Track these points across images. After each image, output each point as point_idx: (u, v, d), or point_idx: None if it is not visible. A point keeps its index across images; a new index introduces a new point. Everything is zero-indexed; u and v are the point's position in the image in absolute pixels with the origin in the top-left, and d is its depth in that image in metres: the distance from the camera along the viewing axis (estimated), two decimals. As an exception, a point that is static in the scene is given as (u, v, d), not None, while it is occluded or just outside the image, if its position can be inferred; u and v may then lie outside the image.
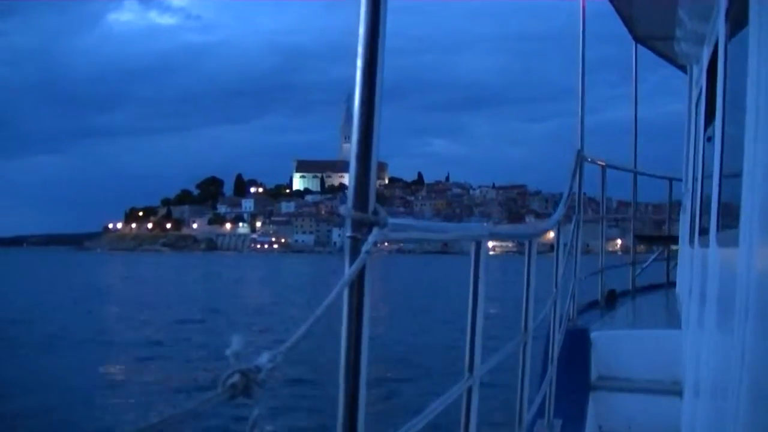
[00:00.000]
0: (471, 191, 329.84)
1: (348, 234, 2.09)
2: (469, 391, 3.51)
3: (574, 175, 8.88)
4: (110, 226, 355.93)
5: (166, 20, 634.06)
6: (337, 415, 2.09)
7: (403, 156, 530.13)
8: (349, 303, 2.08)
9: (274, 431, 19.90)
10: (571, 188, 8.44)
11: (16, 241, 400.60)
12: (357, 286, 2.08)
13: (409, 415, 2.64)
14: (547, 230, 6.33)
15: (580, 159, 9.31)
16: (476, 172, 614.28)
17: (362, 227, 2.07)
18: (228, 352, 1.44)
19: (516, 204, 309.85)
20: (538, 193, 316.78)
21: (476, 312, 3.58)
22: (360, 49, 2.12)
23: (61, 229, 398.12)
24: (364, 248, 2.03)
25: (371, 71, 2.13)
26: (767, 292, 3.06)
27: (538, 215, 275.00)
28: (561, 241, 6.93)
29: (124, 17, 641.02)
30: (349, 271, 1.98)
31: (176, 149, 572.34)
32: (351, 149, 2.14)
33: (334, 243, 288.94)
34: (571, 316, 8.85)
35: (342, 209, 2.11)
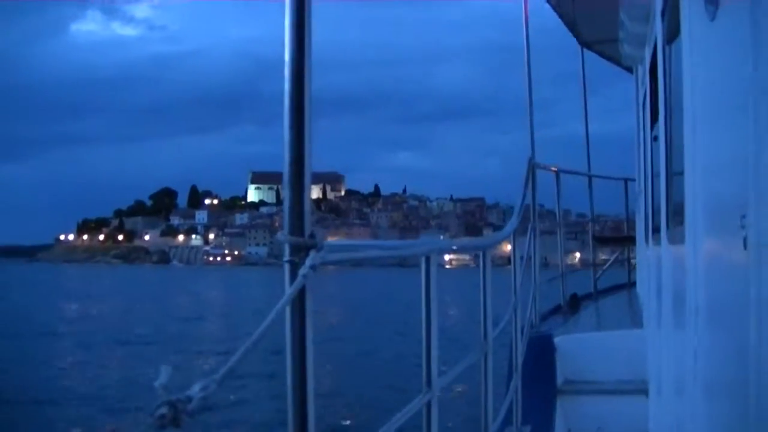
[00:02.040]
0: (428, 203, 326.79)
1: (286, 258, 2.17)
2: (428, 405, 3.58)
3: (527, 183, 8.88)
4: (62, 237, 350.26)
5: (129, 31, 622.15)
6: None
7: (364, 169, 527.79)
8: (292, 326, 2.16)
9: None
10: (524, 197, 8.52)
11: None
12: (298, 308, 2.15)
13: None
14: (500, 241, 6.59)
15: (532, 166, 9.35)
16: (437, 186, 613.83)
17: (300, 251, 2.15)
18: (156, 383, 1.50)
19: (474, 217, 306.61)
20: (495, 205, 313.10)
21: (430, 326, 3.67)
22: (286, 72, 2.19)
23: (18, 241, 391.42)
24: (301, 272, 2.09)
25: (299, 95, 2.18)
26: (714, 287, 3.12)
27: (496, 228, 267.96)
28: (517, 250, 7.20)
29: (87, 27, 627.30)
30: (286, 295, 2.04)
31: (135, 160, 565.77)
32: (283, 175, 2.22)
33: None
34: (534, 323, 8.93)
35: (279, 235, 2.23)
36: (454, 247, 6.69)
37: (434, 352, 3.69)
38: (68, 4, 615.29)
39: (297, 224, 2.17)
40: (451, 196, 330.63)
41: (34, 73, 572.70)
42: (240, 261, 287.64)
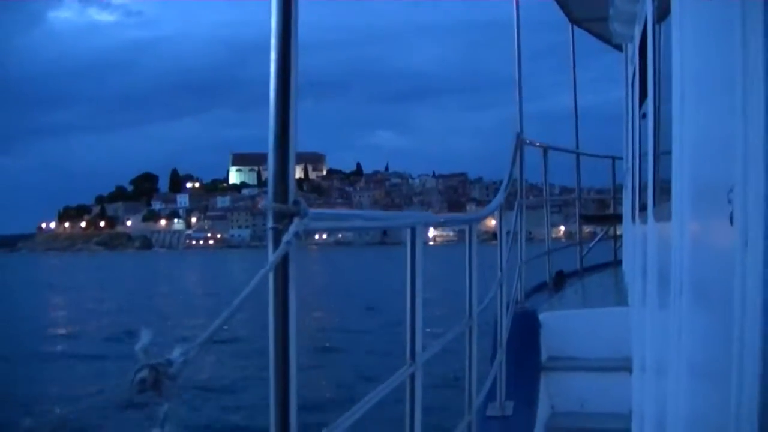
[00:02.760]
0: (410, 180, 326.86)
1: (269, 225, 2.13)
2: (412, 377, 3.63)
3: (514, 159, 8.87)
4: (43, 226, 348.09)
5: (106, 17, 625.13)
6: (269, 403, 2.16)
7: (345, 149, 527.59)
8: (275, 293, 2.14)
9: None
10: (511, 172, 8.46)
11: None
12: (281, 276, 2.12)
13: (349, 404, 2.78)
14: (487, 215, 6.52)
15: (520, 142, 9.37)
16: (419, 163, 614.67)
17: (283, 218, 2.12)
18: (137, 347, 1.48)
19: (456, 193, 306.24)
20: (479, 180, 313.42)
21: (414, 299, 3.69)
22: (273, 40, 2.18)
23: (4, 230, 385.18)
24: (284, 238, 2.06)
25: (285, 61, 2.18)
26: (699, 265, 3.15)
27: (479, 203, 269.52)
28: (503, 226, 7.39)
29: (64, 15, 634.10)
30: (270, 261, 2.02)
31: (117, 147, 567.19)
32: (268, 141, 2.19)
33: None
34: (519, 299, 8.96)
35: (262, 202, 2.17)
36: (441, 220, 6.16)
37: (418, 325, 3.70)
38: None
39: (281, 191, 2.13)
40: (434, 172, 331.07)
41: (12, 64, 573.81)
42: (222, 244, 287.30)
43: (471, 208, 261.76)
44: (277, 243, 2.07)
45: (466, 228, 5.47)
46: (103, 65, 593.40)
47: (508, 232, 7.80)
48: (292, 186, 2.16)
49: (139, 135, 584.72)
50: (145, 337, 1.50)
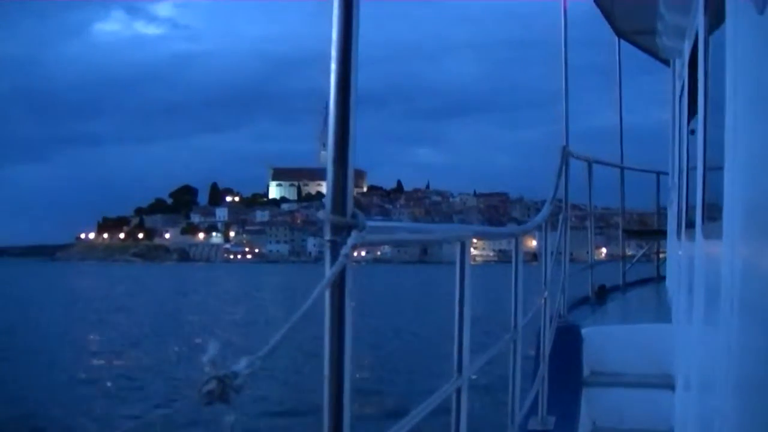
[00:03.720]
0: (451, 199, 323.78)
1: (327, 238, 2.16)
2: (458, 391, 3.64)
3: (560, 173, 8.86)
4: (82, 236, 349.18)
5: (152, 30, 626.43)
6: (322, 418, 2.16)
7: (385, 165, 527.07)
8: (331, 307, 2.15)
9: None
10: (557, 186, 8.55)
11: None
12: (338, 289, 2.14)
13: (396, 418, 2.79)
14: (533, 228, 6.71)
15: (566, 155, 9.32)
16: (459, 180, 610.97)
17: (341, 231, 2.15)
18: (204, 358, 1.52)
19: (497, 212, 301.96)
20: (519, 200, 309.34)
21: (463, 313, 3.73)
22: (333, 53, 2.19)
23: (41, 240, 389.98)
24: (342, 251, 2.09)
25: (345, 75, 2.20)
26: (751, 284, 3.09)
27: (519, 223, 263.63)
28: (548, 239, 7.31)
29: (110, 27, 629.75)
30: (328, 275, 2.04)
31: (156, 159, 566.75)
32: (327, 154, 2.21)
33: (310, 253, 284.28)
34: (561, 313, 8.89)
35: (320, 213, 2.19)
36: (489, 232, 6.64)
37: (466, 339, 3.73)
38: (92, 4, 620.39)
39: (339, 203, 2.15)
40: (474, 191, 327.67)
41: (55, 74, 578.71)
42: (260, 258, 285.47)
43: (511, 227, 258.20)
44: (334, 256, 2.08)
45: (513, 240, 5.51)
46: (146, 77, 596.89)
47: (552, 252, 7.66)
48: (350, 199, 2.17)
49: (180, 147, 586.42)
50: (212, 348, 1.52)
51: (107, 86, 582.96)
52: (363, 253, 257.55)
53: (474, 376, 3.80)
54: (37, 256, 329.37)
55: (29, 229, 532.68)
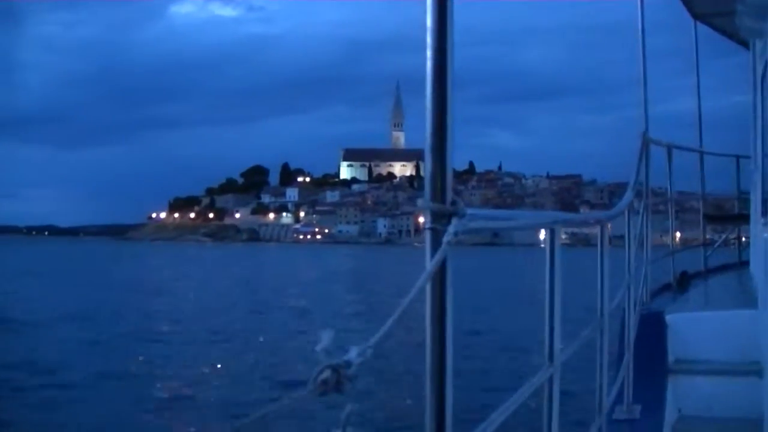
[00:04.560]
0: (523, 181, 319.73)
1: (428, 226, 2.17)
2: (551, 379, 3.62)
3: (640, 158, 8.69)
4: (153, 215, 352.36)
5: (228, 12, 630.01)
6: (425, 410, 2.16)
7: (459, 147, 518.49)
8: (432, 296, 2.15)
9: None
10: (638, 172, 8.31)
11: (73, 232, 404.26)
12: (439, 277, 2.14)
13: (491, 406, 2.84)
14: (617, 215, 6.47)
15: (646, 141, 9.23)
16: (533, 164, 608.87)
17: (441, 218, 2.16)
18: (318, 347, 1.53)
19: (570, 194, 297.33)
20: (593, 182, 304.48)
21: (553, 299, 3.72)
22: (429, 40, 2.19)
23: (116, 220, 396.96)
24: (445, 239, 2.09)
25: (441, 62, 2.20)
26: None
27: (593, 206, 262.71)
28: (631, 226, 7.18)
29: (186, 9, 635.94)
30: (431, 264, 2.05)
31: (230, 140, 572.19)
32: (425, 141, 2.23)
33: (380, 234, 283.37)
34: (644, 300, 8.92)
35: (420, 201, 2.21)
36: (577, 219, 6.03)
37: (557, 326, 3.69)
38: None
39: (439, 191, 2.17)
40: (548, 173, 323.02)
41: (133, 57, 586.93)
42: (330, 239, 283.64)
43: (584, 210, 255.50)
44: (435, 243, 2.09)
45: (599, 228, 5.43)
46: (221, 59, 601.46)
47: (634, 238, 7.46)
48: (449, 186, 2.19)
49: (254, 129, 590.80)
50: (325, 338, 1.53)
51: (183, 69, 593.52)
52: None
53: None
54: (111, 236, 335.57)
55: (106, 209, 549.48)
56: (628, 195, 7.15)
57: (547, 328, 3.69)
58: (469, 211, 2.18)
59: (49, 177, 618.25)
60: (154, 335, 38.05)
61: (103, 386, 25.62)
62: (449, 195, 2.15)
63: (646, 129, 9.53)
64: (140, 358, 31.00)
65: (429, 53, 2.13)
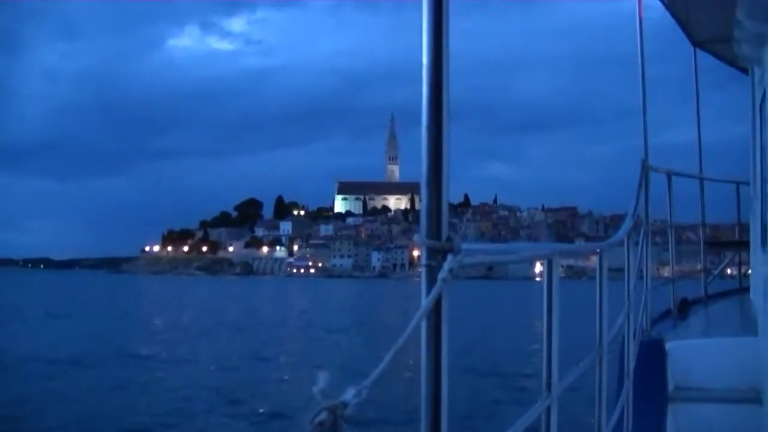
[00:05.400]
0: (518, 213, 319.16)
1: (423, 262, 2.18)
2: (548, 409, 3.60)
3: (640, 185, 8.82)
4: (147, 248, 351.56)
5: (226, 46, 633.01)
6: None
7: (455, 179, 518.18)
8: (428, 334, 2.16)
9: None
10: (637, 200, 8.41)
11: (69, 264, 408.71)
12: (435, 314, 2.15)
13: None
14: (616, 244, 6.44)
15: (646, 168, 9.29)
16: (528, 195, 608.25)
17: (437, 255, 2.18)
18: (315, 389, 1.54)
19: (565, 226, 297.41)
20: (589, 214, 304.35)
21: (551, 330, 3.72)
22: (425, 77, 2.21)
23: (111, 252, 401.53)
24: (440, 276, 2.11)
25: (437, 99, 2.21)
26: None
27: (588, 238, 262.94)
28: (630, 254, 7.11)
29: (184, 43, 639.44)
30: (426, 301, 2.06)
31: (225, 173, 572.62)
32: (421, 178, 2.24)
33: (374, 267, 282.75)
34: (645, 328, 8.93)
35: (416, 237, 2.24)
36: (574, 250, 5.96)
37: (555, 356, 3.71)
38: (166, 20, 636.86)
39: (434, 228, 2.19)
40: (543, 205, 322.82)
41: (131, 88, 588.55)
42: (324, 273, 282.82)
43: (579, 242, 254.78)
44: (430, 280, 2.12)
45: (597, 257, 5.40)
46: (219, 92, 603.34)
47: (633, 268, 7.34)
48: (445, 222, 2.21)
49: (250, 161, 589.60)
50: (322, 379, 1.54)
51: (181, 101, 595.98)
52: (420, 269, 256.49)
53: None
54: (106, 268, 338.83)
55: (101, 241, 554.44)
56: (628, 223, 7.18)
57: (544, 359, 3.70)
58: (465, 246, 2.19)
59: (46, 208, 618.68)
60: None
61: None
62: (445, 231, 2.17)
63: (646, 156, 9.55)
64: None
65: (425, 90, 2.15)
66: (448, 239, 2.15)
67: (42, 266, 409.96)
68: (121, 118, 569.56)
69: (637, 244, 8.30)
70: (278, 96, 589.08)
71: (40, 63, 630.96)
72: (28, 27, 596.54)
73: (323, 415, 1.51)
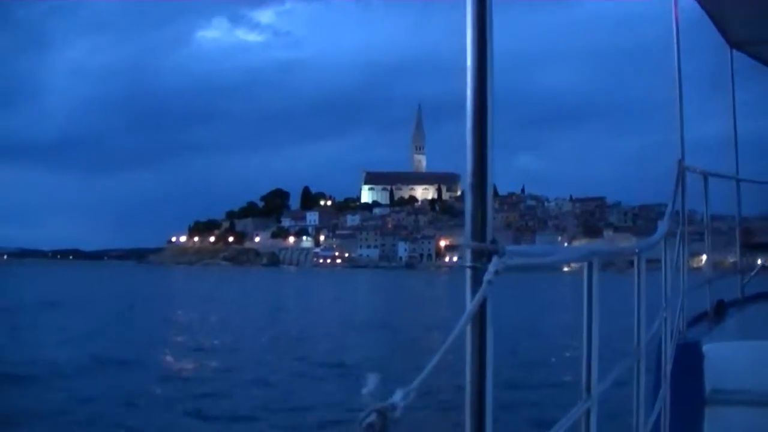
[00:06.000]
0: (546, 203, 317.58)
1: (468, 264, 2.19)
2: (588, 412, 3.60)
3: (677, 186, 8.71)
4: (173, 239, 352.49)
5: (254, 37, 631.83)
6: None
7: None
8: (473, 336, 2.17)
9: None
10: (674, 200, 8.40)
11: (97, 256, 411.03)
12: (479, 318, 2.16)
13: None
14: (654, 245, 6.40)
15: (682, 169, 9.13)
16: (556, 187, 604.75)
17: (481, 257, 2.18)
18: (364, 390, 1.57)
19: (593, 217, 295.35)
20: (617, 205, 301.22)
21: (591, 332, 3.71)
22: (469, 76, 2.23)
23: (138, 244, 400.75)
24: (486, 278, 2.11)
25: (481, 98, 2.22)
26: None
27: (617, 229, 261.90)
28: (668, 255, 7.19)
29: (212, 35, 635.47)
30: (472, 304, 2.07)
31: (253, 164, 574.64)
32: (465, 179, 2.27)
33: (400, 258, 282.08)
34: (681, 329, 8.68)
35: (461, 240, 2.25)
36: (612, 251, 6.45)
37: (594, 359, 3.69)
38: (194, 13, 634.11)
39: (479, 229, 2.19)
40: (571, 196, 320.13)
41: (160, 82, 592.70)
42: (350, 263, 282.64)
43: (608, 233, 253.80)
44: (475, 282, 2.12)
45: (635, 258, 5.38)
46: (247, 85, 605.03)
47: (670, 268, 7.32)
48: (490, 224, 2.21)
49: (277, 154, 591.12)
50: (371, 381, 1.57)
51: (209, 94, 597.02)
52: (454, 259, 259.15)
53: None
54: (133, 259, 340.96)
55: (129, 233, 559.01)
56: (665, 224, 7.15)
57: (584, 361, 3.65)
58: (509, 248, 2.18)
59: (75, 202, 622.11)
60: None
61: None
62: (489, 233, 2.17)
63: (682, 156, 9.37)
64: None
65: (469, 92, 2.15)
66: (493, 241, 2.16)
67: (71, 257, 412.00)
68: (149, 111, 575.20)
69: (674, 243, 8.06)
70: (306, 88, 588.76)
71: (68, 58, 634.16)
72: (56, 23, 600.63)
73: (372, 417, 1.51)
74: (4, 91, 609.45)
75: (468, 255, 2.13)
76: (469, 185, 2.19)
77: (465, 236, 2.16)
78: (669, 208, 8.07)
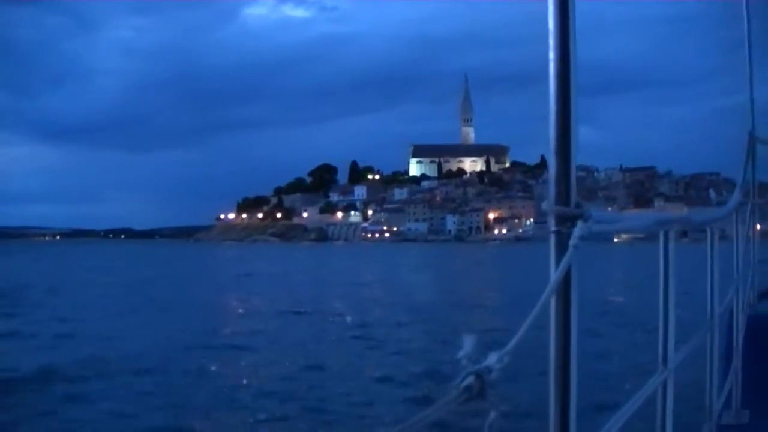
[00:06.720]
0: (596, 174, 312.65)
1: (552, 229, 2.18)
2: (664, 383, 3.64)
3: (747, 158, 8.48)
4: (222, 217, 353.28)
5: (301, 13, 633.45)
6: (549, 420, 2.18)
7: (531, 143, 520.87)
8: (557, 305, 2.15)
9: None
10: (745, 172, 8.23)
11: (149, 235, 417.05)
12: (564, 284, 2.14)
13: (606, 411, 2.79)
14: (725, 216, 6.42)
15: (753, 141, 8.89)
16: (607, 157, 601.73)
17: (566, 222, 2.16)
18: (460, 353, 1.53)
19: (643, 187, 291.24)
20: (668, 174, 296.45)
21: (668, 303, 3.72)
22: (551, 41, 2.24)
23: (187, 222, 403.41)
24: (571, 242, 2.09)
25: (565, 63, 2.23)
26: None
27: (668, 198, 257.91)
28: (739, 227, 7.05)
29: (258, 11, 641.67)
30: (557, 271, 2.06)
31: (300, 140, 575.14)
32: (549, 144, 2.23)
33: (449, 231, 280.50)
34: (752, 302, 8.68)
35: (544, 204, 2.22)
36: (686, 221, 5.48)
37: (671, 328, 3.69)
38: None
39: (563, 194, 2.16)
40: (621, 165, 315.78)
41: (205, 60, 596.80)
42: (398, 237, 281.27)
43: (659, 203, 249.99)
44: (559, 247, 2.11)
45: (708, 229, 5.37)
46: (294, 60, 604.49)
47: (742, 240, 7.26)
48: (573, 188, 2.19)
49: (324, 129, 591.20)
50: (468, 344, 1.52)
51: (256, 71, 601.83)
52: (503, 231, 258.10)
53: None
54: (183, 237, 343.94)
55: (178, 211, 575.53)
56: (735, 197, 7.00)
57: (661, 332, 3.65)
58: (594, 213, 2.14)
59: (125, 181, 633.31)
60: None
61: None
62: (574, 197, 2.14)
63: (753, 128, 9.12)
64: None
65: (552, 56, 2.17)
66: (578, 205, 2.13)
67: (123, 236, 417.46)
68: (196, 90, 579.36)
69: (744, 217, 7.99)
70: (352, 63, 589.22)
71: (117, 39, 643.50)
72: (105, 3, 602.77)
73: (470, 380, 1.49)
74: (55, 72, 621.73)
75: (552, 220, 2.11)
76: (552, 150, 2.13)
77: (548, 201, 2.13)
78: (739, 180, 7.89)
